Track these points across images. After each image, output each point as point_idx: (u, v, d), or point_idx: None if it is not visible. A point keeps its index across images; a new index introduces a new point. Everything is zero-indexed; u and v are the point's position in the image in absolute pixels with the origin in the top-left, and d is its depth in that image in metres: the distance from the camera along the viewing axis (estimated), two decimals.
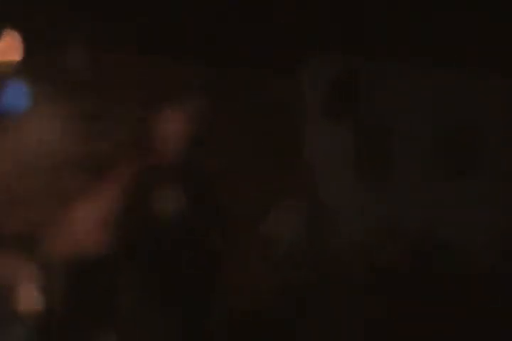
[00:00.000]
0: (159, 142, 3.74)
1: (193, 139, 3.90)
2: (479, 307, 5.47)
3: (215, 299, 3.88)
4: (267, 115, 6.89)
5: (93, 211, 6.05)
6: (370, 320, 5.47)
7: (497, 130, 7.67)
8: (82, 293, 4.44)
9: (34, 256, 4.80)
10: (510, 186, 7.41)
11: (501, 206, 7.27)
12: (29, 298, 4.52)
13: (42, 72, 6.11)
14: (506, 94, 7.62)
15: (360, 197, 6.84)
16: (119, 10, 5.59)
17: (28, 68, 6.02)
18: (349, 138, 7.09)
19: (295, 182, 5.32)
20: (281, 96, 6.97)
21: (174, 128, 3.75)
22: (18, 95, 5.60)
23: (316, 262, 5.04)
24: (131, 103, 6.40)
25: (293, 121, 7.02)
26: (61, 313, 4.47)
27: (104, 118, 6.31)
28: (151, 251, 3.67)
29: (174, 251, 3.65)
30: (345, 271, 5.29)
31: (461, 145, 7.54)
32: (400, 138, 7.27)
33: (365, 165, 7.13)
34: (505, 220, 6.94)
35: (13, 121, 5.88)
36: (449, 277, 5.81)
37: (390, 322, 5.44)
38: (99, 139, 6.27)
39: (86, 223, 6.03)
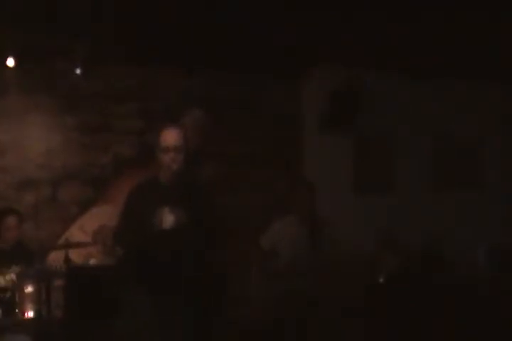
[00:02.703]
0: (159, 154, 3.73)
1: (192, 151, 3.91)
2: (477, 318, 5.47)
3: (216, 310, 3.89)
4: (266, 126, 6.91)
5: (93, 224, 6.10)
6: (370, 331, 5.47)
7: (497, 141, 7.69)
8: (83, 305, 4.46)
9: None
10: (510, 198, 7.42)
11: (501, 218, 7.28)
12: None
13: (41, 84, 6.16)
14: (506, 105, 7.65)
15: (359, 209, 6.85)
16: (118, 23, 5.63)
17: (27, 80, 6.07)
18: (349, 149, 7.10)
19: (294, 194, 5.33)
20: (281, 108, 6.99)
21: (174, 140, 3.74)
22: None
23: (316, 274, 5.04)
24: (130, 115, 6.44)
25: (292, 132, 7.03)
26: (62, 322, 4.49)
27: (104, 130, 6.33)
28: (150, 264, 3.67)
29: (173, 264, 3.65)
30: (346, 282, 5.29)
31: (461, 157, 7.55)
32: (400, 149, 7.28)
33: (365, 177, 7.14)
34: (505, 232, 6.95)
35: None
36: (448, 288, 5.81)
37: (390, 332, 5.44)
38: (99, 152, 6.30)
39: (86, 236, 6.07)
